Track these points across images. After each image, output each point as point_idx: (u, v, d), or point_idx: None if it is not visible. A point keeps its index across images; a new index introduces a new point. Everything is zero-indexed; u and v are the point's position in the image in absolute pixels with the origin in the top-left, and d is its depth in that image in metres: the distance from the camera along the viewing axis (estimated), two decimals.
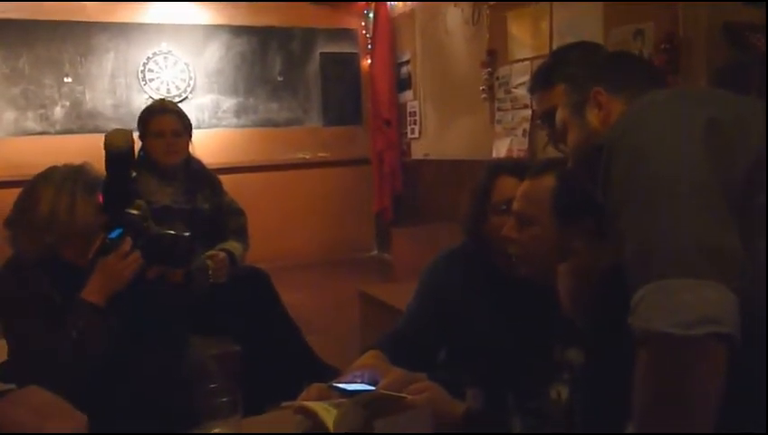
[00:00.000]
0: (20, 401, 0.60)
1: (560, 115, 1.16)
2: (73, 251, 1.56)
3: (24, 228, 1.53)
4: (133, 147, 1.64)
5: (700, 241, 0.78)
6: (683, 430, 0.77)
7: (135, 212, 1.60)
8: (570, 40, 3.48)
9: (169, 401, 1.48)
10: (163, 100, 3.25)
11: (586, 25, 3.53)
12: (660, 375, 0.78)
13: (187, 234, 1.68)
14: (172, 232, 1.67)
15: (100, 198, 1.55)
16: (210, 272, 2.32)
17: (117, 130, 1.67)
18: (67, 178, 1.56)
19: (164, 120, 2.48)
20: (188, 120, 2.58)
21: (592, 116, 1.07)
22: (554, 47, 3.76)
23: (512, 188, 1.44)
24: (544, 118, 1.56)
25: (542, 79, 1.58)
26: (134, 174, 1.68)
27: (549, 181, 1.24)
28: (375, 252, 6.29)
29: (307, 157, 6.00)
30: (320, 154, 6.05)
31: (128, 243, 1.56)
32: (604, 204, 0.92)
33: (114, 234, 1.55)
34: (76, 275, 1.54)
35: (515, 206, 1.31)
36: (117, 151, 1.59)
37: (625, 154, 0.88)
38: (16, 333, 1.54)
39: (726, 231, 0.80)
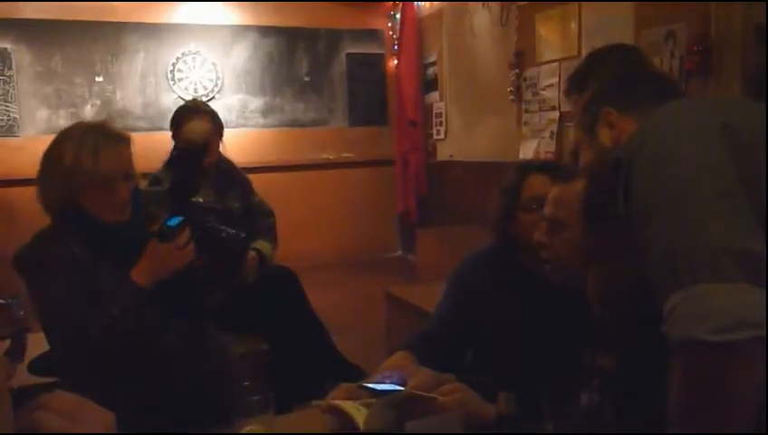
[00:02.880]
0: (46, 404, 0.61)
1: (573, 134, 1.16)
2: (96, 201, 1.58)
3: (50, 178, 1.59)
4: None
5: (729, 244, 0.78)
6: (724, 431, 0.77)
7: (200, 200, 1.61)
8: (599, 41, 3.44)
9: (202, 398, 1.51)
10: (195, 100, 3.27)
11: (616, 26, 3.49)
12: (700, 381, 0.78)
13: (243, 235, 1.70)
14: (231, 230, 1.69)
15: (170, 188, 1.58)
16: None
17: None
18: (90, 128, 1.64)
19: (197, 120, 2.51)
20: (220, 120, 2.60)
21: (604, 135, 1.08)
22: (583, 49, 3.73)
23: (542, 186, 1.43)
24: None
25: (578, 82, 1.57)
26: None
27: (580, 186, 1.22)
28: (399, 253, 6.28)
29: (332, 157, 6.03)
30: (344, 154, 6.08)
31: (186, 235, 1.58)
32: (627, 215, 0.91)
33: (173, 221, 1.58)
34: (105, 234, 1.58)
35: (547, 211, 1.30)
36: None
37: (645, 164, 0.89)
38: (49, 302, 1.54)
39: (753, 233, 0.80)
